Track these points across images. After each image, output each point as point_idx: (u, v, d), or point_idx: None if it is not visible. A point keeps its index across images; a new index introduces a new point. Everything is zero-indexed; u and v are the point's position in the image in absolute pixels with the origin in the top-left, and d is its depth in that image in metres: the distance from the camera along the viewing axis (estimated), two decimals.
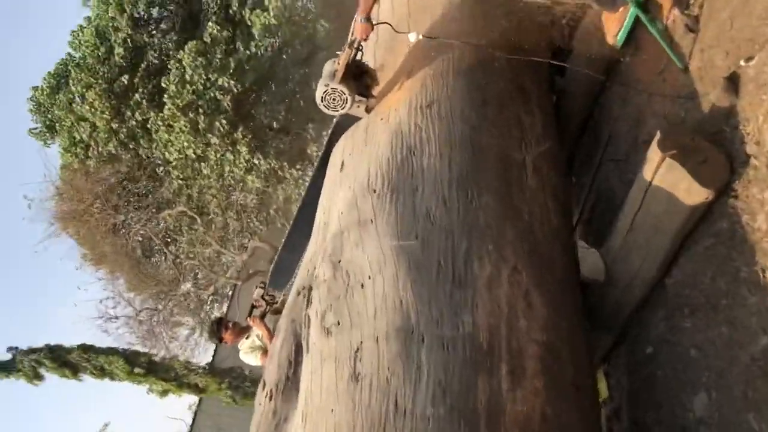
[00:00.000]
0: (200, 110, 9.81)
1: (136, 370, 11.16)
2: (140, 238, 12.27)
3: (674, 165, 2.58)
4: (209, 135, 9.96)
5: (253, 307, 4.71)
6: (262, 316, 4.62)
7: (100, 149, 10.81)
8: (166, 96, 9.89)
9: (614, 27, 3.30)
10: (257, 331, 4.65)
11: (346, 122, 3.71)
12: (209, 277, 12.96)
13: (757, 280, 2.47)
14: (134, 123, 10.40)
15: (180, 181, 11.06)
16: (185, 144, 10.07)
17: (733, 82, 2.84)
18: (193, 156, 10.33)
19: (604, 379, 3.58)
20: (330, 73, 3.55)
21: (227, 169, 10.57)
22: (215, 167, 10.72)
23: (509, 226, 2.75)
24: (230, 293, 13.51)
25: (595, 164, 4.12)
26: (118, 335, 13.10)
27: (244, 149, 10.11)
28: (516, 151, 3.16)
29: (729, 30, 2.93)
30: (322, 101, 3.56)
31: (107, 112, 10.31)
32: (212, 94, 9.83)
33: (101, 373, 11.09)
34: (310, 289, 2.94)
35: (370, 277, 2.64)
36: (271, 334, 4.42)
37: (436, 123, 3.18)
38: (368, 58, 3.80)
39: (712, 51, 3.02)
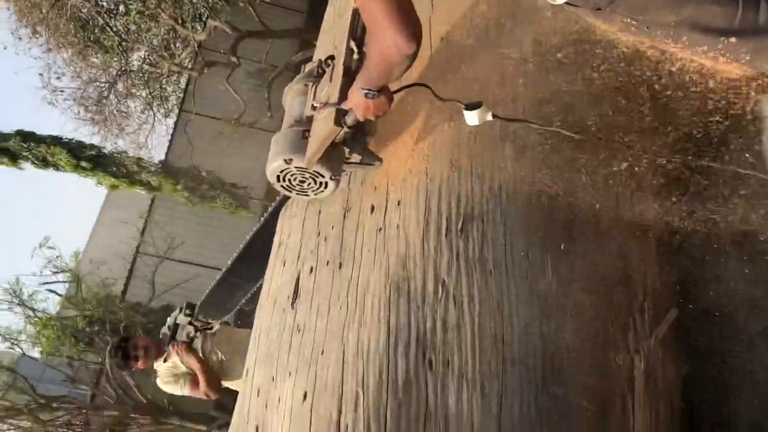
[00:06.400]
0: None
1: (83, 163, 10.32)
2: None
3: None
4: None
5: (176, 330, 3.76)
6: (190, 343, 3.74)
7: None
8: None
9: None
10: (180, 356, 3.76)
11: None
12: (159, 63, 11.35)
13: None
14: None
15: None
16: None
17: None
18: None
19: None
20: (294, 135, 1.93)
21: None
22: None
23: None
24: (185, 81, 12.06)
25: None
26: (66, 107, 11.91)
27: None
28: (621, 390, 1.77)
29: None
30: (279, 181, 2.06)
31: None
32: None
33: (44, 163, 10.23)
34: None
35: None
36: (202, 361, 3.74)
37: (477, 287, 1.67)
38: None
39: None
